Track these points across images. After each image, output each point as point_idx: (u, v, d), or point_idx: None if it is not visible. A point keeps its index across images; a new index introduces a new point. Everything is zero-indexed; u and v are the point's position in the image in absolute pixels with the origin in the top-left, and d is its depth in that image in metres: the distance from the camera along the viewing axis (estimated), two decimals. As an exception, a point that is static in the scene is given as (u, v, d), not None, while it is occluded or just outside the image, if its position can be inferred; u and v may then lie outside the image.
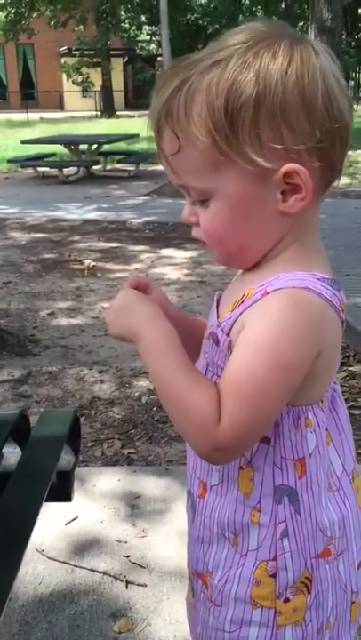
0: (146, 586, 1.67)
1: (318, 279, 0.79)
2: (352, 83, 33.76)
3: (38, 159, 10.98)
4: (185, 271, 5.25)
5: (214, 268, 5.29)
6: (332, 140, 0.77)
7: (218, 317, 0.87)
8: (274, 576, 0.85)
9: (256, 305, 0.79)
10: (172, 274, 5.16)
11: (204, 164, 0.78)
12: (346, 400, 3.09)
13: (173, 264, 5.46)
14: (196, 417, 0.77)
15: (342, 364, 3.32)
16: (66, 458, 0.86)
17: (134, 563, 1.76)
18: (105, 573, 1.72)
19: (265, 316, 0.78)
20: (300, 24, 26.19)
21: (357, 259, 4.90)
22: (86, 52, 30.36)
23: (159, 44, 32.11)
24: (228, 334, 0.83)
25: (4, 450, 0.79)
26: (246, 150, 0.75)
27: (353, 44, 30.86)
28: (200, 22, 30.01)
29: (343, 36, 22.85)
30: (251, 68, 0.74)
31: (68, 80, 31.78)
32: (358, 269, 4.60)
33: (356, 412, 2.83)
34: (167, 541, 1.85)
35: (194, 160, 0.79)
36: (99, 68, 30.22)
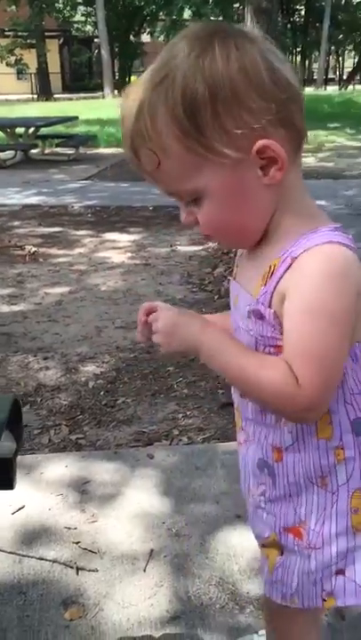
0: (97, 571, 1.64)
1: (332, 230, 0.85)
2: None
3: (-27, 143, 10.61)
4: (129, 254, 5.19)
5: (158, 251, 5.25)
6: (288, 107, 0.83)
7: (252, 295, 0.91)
8: None
9: (291, 272, 0.85)
10: (116, 257, 5.10)
11: (185, 169, 0.84)
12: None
13: (117, 248, 5.39)
14: (278, 390, 0.85)
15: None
16: (6, 445, 0.85)
17: (85, 548, 1.73)
18: (54, 561, 1.68)
19: (304, 279, 0.83)
20: (237, 5, 26.22)
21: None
22: (20, 34, 29.49)
23: (95, 26, 31.56)
24: (269, 306, 0.88)
25: None
26: (217, 144, 0.81)
27: (289, 25, 31.08)
28: (136, 3, 29.57)
29: (279, 18, 22.98)
30: (196, 70, 0.80)
31: (1, 62, 30.81)
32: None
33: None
34: (118, 525, 1.82)
35: (174, 168, 0.85)
36: (33, 50, 29.45)
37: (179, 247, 5.35)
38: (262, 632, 1.40)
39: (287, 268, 0.85)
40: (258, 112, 0.80)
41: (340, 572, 0.97)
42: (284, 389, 0.84)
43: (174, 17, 28.68)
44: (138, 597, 1.54)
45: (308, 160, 9.54)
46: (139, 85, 0.85)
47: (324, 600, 0.98)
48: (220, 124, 0.80)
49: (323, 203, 6.29)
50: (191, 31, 0.85)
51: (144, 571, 1.64)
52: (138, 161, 0.87)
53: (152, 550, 1.71)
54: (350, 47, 37.46)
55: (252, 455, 1.01)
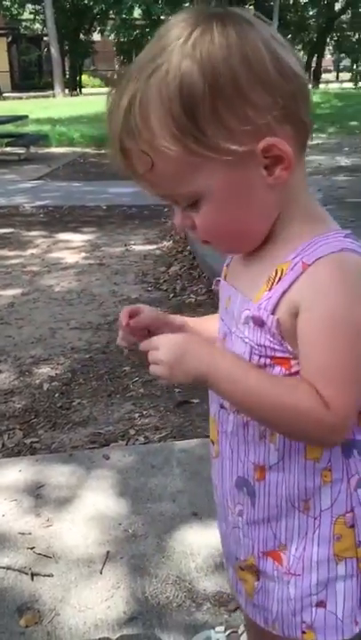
0: (52, 576, 1.62)
1: (344, 236, 0.80)
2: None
3: None
4: (83, 254, 5.14)
5: (112, 250, 5.22)
6: (295, 101, 0.76)
7: (253, 300, 0.84)
8: (353, 527, 0.88)
9: (305, 280, 0.78)
10: (70, 258, 5.04)
11: (183, 170, 0.76)
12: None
13: (71, 248, 5.33)
14: (304, 413, 0.78)
15: (242, 337, 3.37)
16: None
17: (39, 554, 1.70)
18: (8, 568, 1.64)
19: (322, 291, 0.77)
20: (187, 5, 26.27)
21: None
22: (-34, 31, 28.88)
23: (44, 24, 31.14)
24: (273, 312, 0.81)
25: None
26: (219, 143, 0.73)
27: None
28: (85, 1, 29.33)
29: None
30: (193, 61, 0.71)
31: None
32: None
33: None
34: (74, 528, 1.80)
35: (170, 170, 0.76)
36: (-19, 48, 28.86)
37: (133, 246, 5.33)
38: (219, 628, 1.41)
39: (298, 275, 0.79)
40: (263, 107, 0.73)
41: (321, 603, 0.90)
42: (311, 413, 0.77)
43: (124, 16, 28.55)
44: (94, 600, 1.52)
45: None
46: (127, 76, 0.75)
47: (304, 632, 0.91)
48: (221, 120, 0.72)
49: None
50: (187, 15, 0.76)
51: (100, 573, 1.62)
52: (127, 162, 0.78)
53: (108, 552, 1.69)
54: (299, 46, 38.03)
55: (230, 472, 0.94)
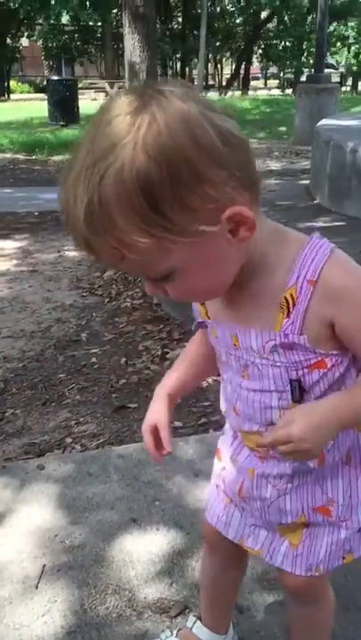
0: (-14, 595, 1.54)
1: (316, 239, 0.89)
2: (170, 71, 34.62)
3: None
4: (15, 262, 5.01)
5: (45, 257, 5.11)
6: (246, 166, 0.79)
7: (274, 329, 0.90)
8: None
9: (322, 294, 0.86)
10: (1, 265, 4.90)
11: (153, 256, 0.78)
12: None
13: (1, 255, 5.18)
14: None
15: (179, 340, 3.36)
16: None
17: (-28, 572, 1.61)
18: None
19: (345, 292, 0.86)
20: (115, 10, 26.26)
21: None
22: None
23: (-31, 28, 30.33)
24: (301, 333, 0.89)
25: None
26: (186, 227, 0.75)
27: (168, 32, 31.58)
28: (11, 5, 28.78)
29: (158, 25, 23.27)
30: (146, 155, 0.71)
31: None
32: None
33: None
34: (7, 543, 1.72)
35: (141, 258, 0.78)
36: None
37: (67, 252, 5.24)
38: (165, 634, 1.38)
39: (311, 293, 0.86)
40: (221, 183, 0.75)
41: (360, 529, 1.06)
42: None
43: (52, 21, 28.21)
44: (30, 617, 1.46)
45: (193, 163, 9.71)
46: (79, 176, 0.74)
47: (344, 557, 1.07)
48: (185, 206, 0.74)
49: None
50: (124, 102, 0.75)
51: (36, 588, 1.55)
52: (96, 256, 0.80)
53: (44, 566, 1.63)
54: (228, 54, 38.67)
55: (271, 470, 1.04)
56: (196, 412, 2.63)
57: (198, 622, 1.34)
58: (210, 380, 2.89)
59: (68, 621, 1.45)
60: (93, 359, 3.22)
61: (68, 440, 2.45)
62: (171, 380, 1.16)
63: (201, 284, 0.86)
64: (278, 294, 0.88)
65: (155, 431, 1.11)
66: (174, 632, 1.36)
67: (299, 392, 0.94)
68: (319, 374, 0.92)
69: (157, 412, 1.13)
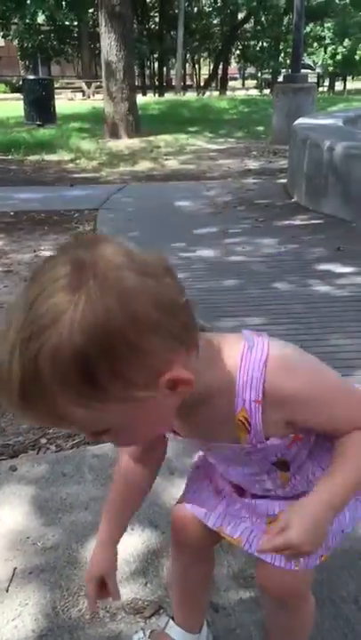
0: None
1: (250, 348, 0.91)
2: (147, 71, 34.59)
3: None
4: (-11, 262, 4.94)
5: (21, 257, 5.05)
6: (184, 327, 0.78)
7: (240, 442, 0.95)
8: None
9: (272, 405, 0.90)
10: (-25, 265, 4.83)
11: (90, 420, 0.79)
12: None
13: (-25, 255, 5.12)
14: None
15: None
16: None
17: None
18: None
19: (291, 392, 0.90)
20: (91, 10, 26.16)
21: (163, 237, 4.99)
22: None
23: None
24: (267, 438, 0.94)
25: None
26: (123, 395, 0.75)
27: (145, 32, 31.54)
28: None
29: (135, 25, 23.22)
30: (82, 331, 0.70)
31: None
32: (164, 247, 4.68)
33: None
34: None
35: (78, 422, 0.79)
36: None
37: (43, 252, 5.18)
38: (137, 636, 1.35)
39: (262, 409, 0.90)
40: (157, 350, 0.75)
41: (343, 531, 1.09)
42: None
43: (28, 21, 28.00)
44: (0, 621, 1.42)
45: (171, 163, 9.68)
46: (14, 347, 0.72)
47: (322, 556, 1.06)
48: (122, 377, 0.74)
49: (186, 203, 6.39)
50: (60, 273, 0.73)
51: (7, 591, 1.52)
52: (34, 422, 0.84)
53: (15, 569, 1.59)
54: (205, 55, 38.74)
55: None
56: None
57: (171, 622, 1.32)
58: (187, 377, 2.87)
59: (39, 625, 1.41)
60: (69, 359, 3.18)
61: (43, 441, 2.41)
62: (111, 526, 1.16)
63: (140, 435, 0.90)
64: (231, 418, 0.92)
65: (100, 580, 1.12)
66: (147, 633, 1.34)
67: (284, 465, 1.00)
68: (298, 445, 0.98)
69: (104, 561, 1.14)
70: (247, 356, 0.90)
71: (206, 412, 0.92)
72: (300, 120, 7.44)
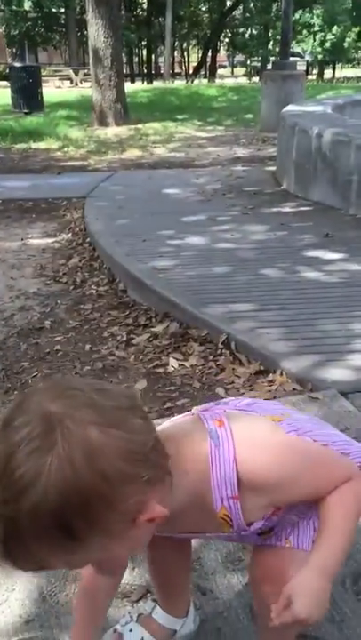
0: None
1: (215, 444, 0.94)
2: (135, 59, 34.30)
3: None
4: (-24, 250, 4.90)
5: (8, 245, 5.01)
6: (155, 469, 0.83)
7: (225, 532, 1.00)
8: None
9: (250, 494, 0.94)
10: None
11: (72, 564, 0.89)
12: (150, 360, 3.06)
13: None
14: (358, 495, 1.00)
15: (145, 325, 3.32)
16: None
17: None
18: None
19: (265, 480, 0.94)
20: (79, -3, 25.86)
21: (152, 225, 4.96)
22: None
23: None
24: (249, 525, 0.98)
25: None
26: (100, 542, 0.80)
27: (133, 19, 31.24)
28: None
29: (122, 11, 22.97)
30: (54, 492, 0.74)
31: None
32: (153, 234, 4.66)
33: (161, 369, 2.85)
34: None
35: (61, 567, 0.89)
36: None
37: (31, 240, 5.14)
38: (124, 620, 1.35)
39: (240, 502, 0.94)
40: (130, 496, 0.79)
41: None
42: (358, 493, 0.99)
43: (14, 7, 27.67)
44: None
45: (160, 151, 9.63)
46: None
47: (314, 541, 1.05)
48: (99, 528, 0.78)
49: (175, 191, 6.36)
50: (31, 432, 0.76)
51: (-6, 577, 1.51)
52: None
53: (2, 554, 1.58)
54: (194, 42, 38.48)
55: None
56: (162, 396, 2.60)
57: (157, 607, 1.31)
58: (175, 364, 2.87)
59: (26, 610, 1.41)
60: (57, 346, 3.17)
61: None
62: (87, 631, 1.19)
63: (122, 558, 1.03)
64: (213, 516, 0.95)
65: None
66: (135, 617, 1.34)
67: (269, 531, 1.03)
68: (279, 515, 1.01)
69: None
70: (215, 455, 0.93)
71: (190, 514, 0.96)
72: (289, 107, 7.41)
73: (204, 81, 27.72)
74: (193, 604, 1.35)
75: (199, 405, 1.13)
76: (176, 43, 36.25)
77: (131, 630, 1.30)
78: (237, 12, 34.54)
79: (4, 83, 19.50)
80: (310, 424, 1.09)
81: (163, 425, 1.04)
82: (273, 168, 7.16)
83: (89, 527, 0.77)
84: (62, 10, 31.36)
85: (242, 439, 0.95)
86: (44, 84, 14.70)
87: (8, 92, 14.43)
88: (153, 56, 34.40)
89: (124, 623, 1.33)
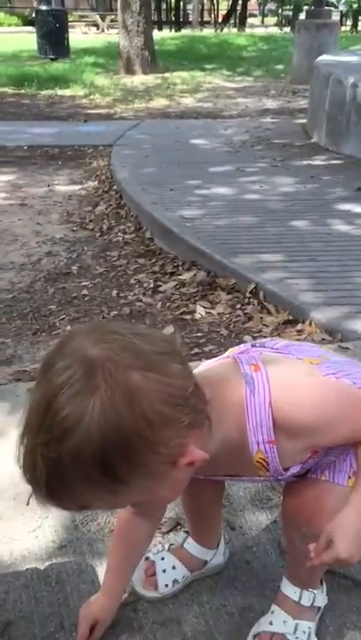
0: (-23, 511, 1.53)
1: (251, 385, 0.94)
2: (164, 5, 33.21)
3: None
4: (3, 194, 4.88)
5: (35, 191, 4.99)
6: (194, 411, 0.82)
7: (261, 476, 1.01)
8: None
9: (287, 439, 0.94)
10: (-11, 198, 4.78)
11: (113, 502, 0.93)
12: (177, 307, 3.06)
13: (-11, 188, 5.05)
14: None
15: (172, 273, 3.31)
16: None
17: None
18: None
19: (301, 424, 0.94)
20: None
21: (179, 174, 4.89)
22: None
23: None
24: (286, 470, 0.99)
25: None
26: (142, 482, 0.82)
27: None
28: None
29: None
30: (97, 432, 0.75)
31: None
32: (180, 184, 4.60)
33: (188, 316, 2.84)
34: (-2, 464, 1.70)
35: (104, 507, 1.04)
36: None
37: (57, 187, 5.11)
38: (155, 549, 1.38)
39: (277, 447, 0.94)
40: (171, 438, 0.80)
41: None
42: None
43: None
44: (21, 531, 1.45)
45: (187, 101, 9.42)
46: (35, 449, 0.78)
47: (349, 477, 1.04)
48: (140, 469, 0.79)
49: (203, 141, 6.24)
50: (73, 376, 0.76)
51: (27, 504, 1.54)
52: (58, 508, 0.86)
53: (35, 484, 1.62)
54: (225, -11, 37.05)
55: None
56: (189, 342, 2.60)
57: (189, 538, 1.34)
58: (202, 311, 2.86)
59: (59, 536, 1.44)
60: (84, 291, 3.17)
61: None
62: (117, 581, 1.22)
63: (164, 499, 1.03)
64: (250, 460, 0.96)
65: (93, 623, 1.17)
66: (166, 547, 1.36)
67: (305, 473, 1.04)
68: (315, 458, 1.01)
69: (105, 609, 1.19)
70: (250, 400, 0.93)
71: (227, 458, 0.96)
72: (323, 57, 7.16)
73: (234, 30, 26.79)
74: (222, 537, 1.37)
75: (235, 347, 1.13)
76: (206, -11, 34.96)
77: (163, 559, 1.32)
78: None
79: (30, 28, 19.07)
80: (349, 366, 1.07)
81: (198, 369, 1.04)
82: (303, 121, 6.98)
83: (131, 469, 0.79)
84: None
85: (278, 384, 0.94)
86: (70, 30, 14.34)
87: (34, 37, 14.12)
88: (181, 3, 33.25)
89: (155, 552, 1.35)
